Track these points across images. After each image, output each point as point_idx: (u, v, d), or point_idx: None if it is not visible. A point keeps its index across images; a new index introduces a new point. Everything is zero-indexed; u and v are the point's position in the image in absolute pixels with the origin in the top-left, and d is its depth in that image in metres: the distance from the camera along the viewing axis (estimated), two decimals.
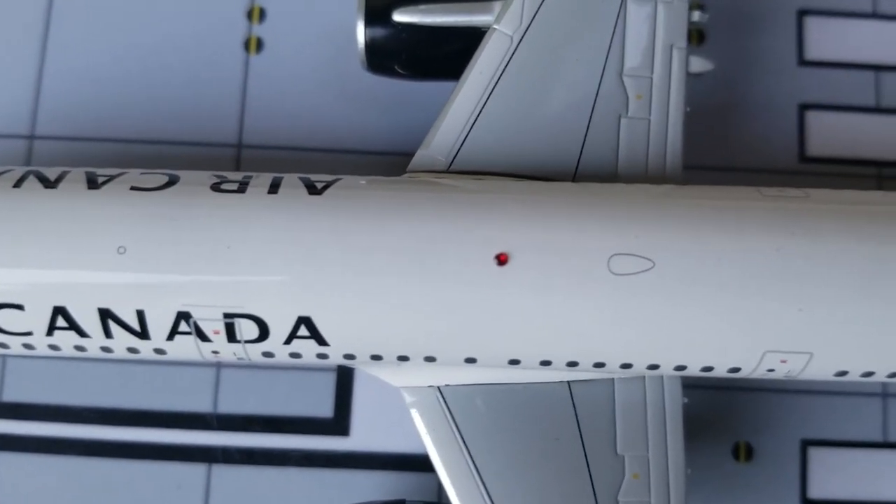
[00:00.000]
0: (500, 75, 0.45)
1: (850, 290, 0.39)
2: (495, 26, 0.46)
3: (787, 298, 0.39)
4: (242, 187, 0.40)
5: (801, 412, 0.51)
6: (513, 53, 0.45)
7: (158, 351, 0.42)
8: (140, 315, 0.40)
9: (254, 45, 0.55)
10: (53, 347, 0.42)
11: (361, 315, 0.40)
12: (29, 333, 0.41)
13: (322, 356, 0.41)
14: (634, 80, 0.46)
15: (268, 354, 0.41)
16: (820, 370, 0.42)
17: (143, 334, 0.40)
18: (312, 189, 0.40)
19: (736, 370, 0.42)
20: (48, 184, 0.41)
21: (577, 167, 0.44)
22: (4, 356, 0.50)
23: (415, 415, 0.43)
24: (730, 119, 0.54)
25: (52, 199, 0.41)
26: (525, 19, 0.46)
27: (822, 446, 0.51)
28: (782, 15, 0.56)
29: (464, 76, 0.45)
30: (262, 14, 0.55)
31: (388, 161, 0.52)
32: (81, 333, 0.41)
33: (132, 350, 0.42)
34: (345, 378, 0.51)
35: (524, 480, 0.42)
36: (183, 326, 0.40)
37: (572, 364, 0.42)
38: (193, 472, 0.50)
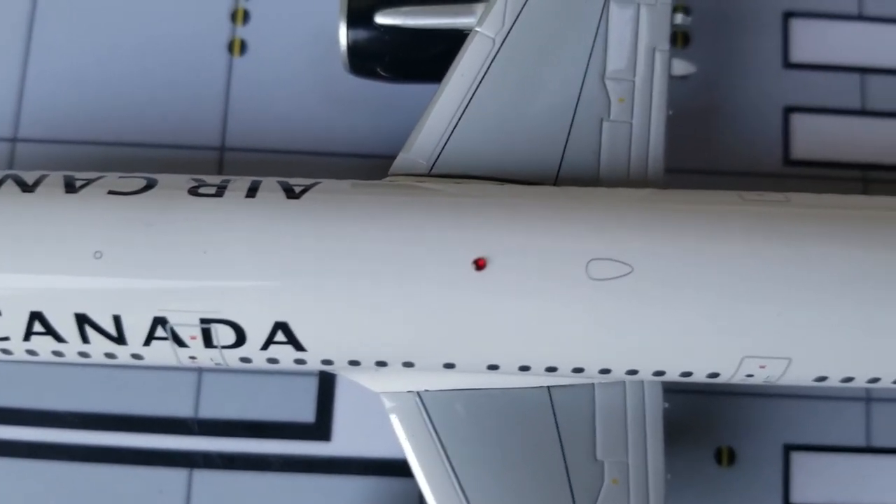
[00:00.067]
0: (482, 78, 0.45)
1: (829, 296, 0.39)
2: (477, 29, 0.45)
3: (766, 304, 0.39)
4: (220, 191, 0.40)
5: (784, 416, 0.51)
6: (495, 56, 0.45)
7: (136, 356, 0.41)
8: (117, 320, 0.40)
9: (237, 47, 0.54)
10: (31, 353, 0.42)
11: (338, 320, 0.39)
12: (6, 339, 0.41)
13: (300, 362, 0.41)
14: (617, 83, 0.45)
15: (245, 360, 0.41)
16: (799, 375, 0.41)
17: (120, 339, 0.40)
18: (290, 193, 0.40)
19: (715, 375, 0.42)
20: (26, 188, 0.41)
21: (558, 171, 0.44)
22: None
23: (394, 420, 0.43)
24: (714, 122, 0.54)
25: (29, 203, 0.40)
26: (507, 22, 0.45)
27: (805, 451, 0.51)
28: (768, 17, 0.56)
29: (446, 79, 0.45)
30: (246, 16, 0.55)
31: (372, 164, 0.52)
32: (58, 339, 0.41)
33: (109, 355, 0.41)
34: (326, 383, 0.50)
35: (503, 486, 0.42)
36: (160, 332, 0.40)
37: (551, 369, 0.41)
38: (175, 477, 0.50)
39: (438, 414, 0.43)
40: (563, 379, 0.43)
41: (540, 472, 0.43)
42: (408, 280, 0.39)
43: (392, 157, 0.45)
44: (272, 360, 0.41)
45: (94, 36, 0.54)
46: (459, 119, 0.45)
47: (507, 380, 0.43)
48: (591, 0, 0.46)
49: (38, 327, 0.40)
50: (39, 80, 0.53)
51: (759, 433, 0.51)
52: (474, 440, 0.43)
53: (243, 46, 0.54)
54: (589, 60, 0.45)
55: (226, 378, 0.50)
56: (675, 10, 0.54)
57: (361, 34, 0.47)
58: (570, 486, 0.42)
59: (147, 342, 0.40)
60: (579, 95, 0.45)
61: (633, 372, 0.42)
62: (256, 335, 0.40)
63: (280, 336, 0.40)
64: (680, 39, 0.55)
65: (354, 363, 0.42)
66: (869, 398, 0.51)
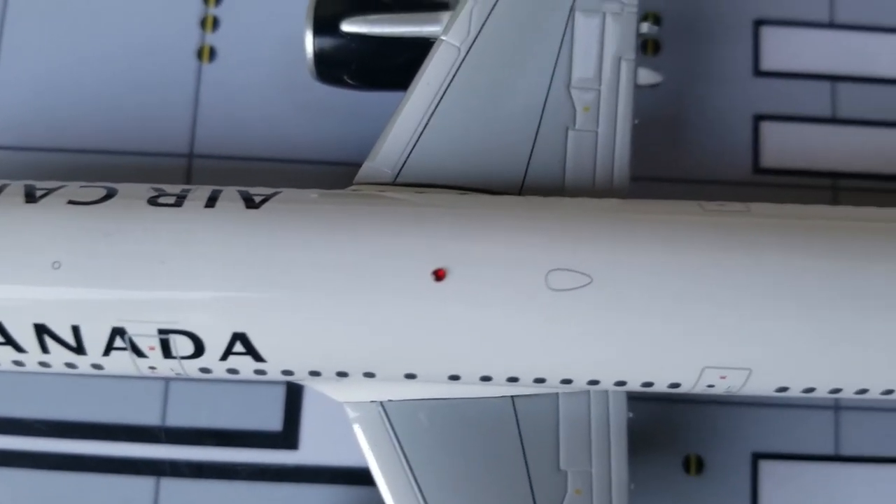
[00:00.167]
0: (448, 87, 0.45)
1: (789, 306, 0.39)
2: (443, 37, 0.45)
3: (725, 314, 0.39)
4: (179, 201, 0.40)
5: (753, 425, 0.51)
6: (460, 64, 0.45)
7: (96, 366, 0.41)
8: (75, 330, 0.39)
9: (206, 53, 0.54)
10: None
11: (297, 331, 0.39)
12: None
13: (260, 372, 0.41)
14: (582, 92, 0.45)
15: (205, 370, 0.41)
16: (760, 386, 0.41)
17: (80, 350, 0.40)
18: (250, 203, 0.40)
19: (676, 386, 0.42)
20: None
21: (523, 180, 0.44)
22: None
23: (357, 430, 0.43)
24: (684, 130, 0.54)
25: None
26: (473, 30, 0.45)
27: (773, 459, 0.51)
28: (738, 25, 0.56)
29: (411, 87, 0.45)
30: (216, 23, 0.55)
31: (341, 171, 0.51)
32: (18, 349, 0.40)
33: (70, 365, 0.41)
34: (294, 392, 0.50)
35: (465, 496, 0.42)
36: (118, 342, 0.40)
37: (512, 379, 0.41)
38: (142, 486, 0.49)
39: (401, 424, 0.43)
40: (526, 389, 0.43)
41: (502, 482, 0.42)
42: (367, 291, 0.39)
43: (361, 165, 0.45)
44: (232, 371, 0.41)
45: (63, 42, 0.54)
46: (424, 128, 0.45)
47: (471, 390, 0.43)
48: (557, 9, 0.46)
49: None
50: (7, 87, 0.53)
51: (728, 441, 0.51)
52: (437, 450, 0.43)
53: (212, 53, 0.54)
54: (554, 69, 0.45)
55: (193, 387, 0.50)
56: (645, 17, 0.55)
57: (328, 42, 0.47)
58: (533, 497, 0.42)
59: (106, 352, 0.40)
60: (544, 104, 0.45)
61: (594, 382, 0.42)
62: (215, 346, 0.40)
63: (239, 347, 0.40)
64: (650, 47, 0.55)
65: (315, 374, 0.42)
66: (838, 407, 0.51)
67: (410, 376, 0.41)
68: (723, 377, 0.41)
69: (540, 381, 0.41)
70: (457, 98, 0.45)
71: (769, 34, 0.56)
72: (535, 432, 0.43)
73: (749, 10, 0.56)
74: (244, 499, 0.49)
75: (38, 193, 0.41)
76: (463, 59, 0.45)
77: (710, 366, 0.40)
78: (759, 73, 0.55)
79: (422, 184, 0.44)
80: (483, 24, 0.45)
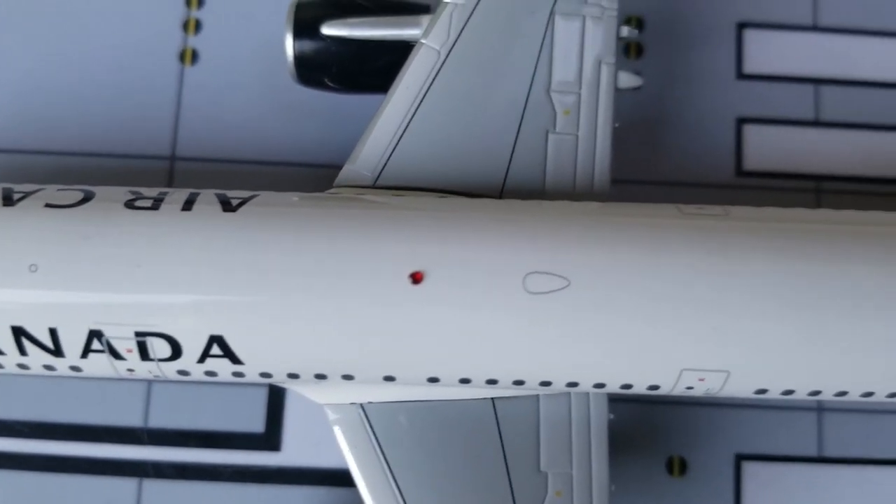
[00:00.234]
0: (428, 90, 0.45)
1: (767, 309, 0.39)
2: (423, 41, 0.45)
3: (703, 317, 0.39)
4: (157, 204, 0.40)
5: (736, 426, 0.51)
6: (440, 68, 0.45)
7: (74, 368, 0.41)
8: (53, 333, 0.39)
9: (189, 56, 0.54)
10: None
11: (275, 334, 0.39)
12: None
13: (238, 374, 0.41)
14: (562, 95, 0.45)
15: (183, 373, 0.41)
16: (739, 388, 0.42)
17: (58, 352, 0.40)
18: (227, 206, 0.40)
19: (655, 388, 0.42)
20: None
21: (504, 183, 0.44)
22: None
23: (337, 432, 0.43)
24: (667, 133, 0.54)
25: None
26: (452, 34, 0.45)
27: (757, 461, 0.51)
28: (721, 28, 0.56)
29: (391, 91, 0.45)
30: (198, 26, 0.55)
31: (323, 174, 0.51)
32: None
33: (48, 367, 0.41)
34: (276, 394, 0.50)
35: (445, 498, 0.42)
36: (96, 345, 0.40)
37: (491, 382, 0.41)
38: (124, 487, 0.49)
39: (382, 426, 0.43)
40: (506, 391, 0.43)
41: (483, 484, 0.43)
42: (344, 293, 0.39)
43: (342, 167, 0.45)
44: (210, 374, 0.41)
45: (45, 44, 0.54)
46: (404, 131, 0.45)
47: (451, 392, 0.43)
48: (537, 12, 0.46)
49: None
50: None
51: (711, 443, 0.51)
52: (417, 452, 0.43)
53: (195, 56, 0.54)
54: (534, 72, 0.45)
55: (176, 388, 0.50)
56: (627, 21, 0.55)
57: (308, 45, 0.47)
58: (514, 498, 0.42)
59: (84, 355, 0.40)
60: (525, 107, 0.45)
61: (573, 384, 0.42)
62: (192, 349, 0.40)
63: (216, 349, 0.40)
64: (633, 50, 0.55)
65: (293, 376, 0.42)
66: (821, 408, 0.51)
67: (389, 379, 0.41)
68: (701, 379, 0.41)
69: (519, 383, 0.42)
70: (437, 101, 0.45)
71: (752, 37, 0.56)
72: (516, 434, 0.43)
73: (732, 14, 0.56)
74: (227, 500, 0.49)
75: (16, 197, 0.41)
76: (443, 63, 0.45)
77: (688, 368, 0.40)
78: (742, 76, 0.55)
79: (402, 187, 0.44)
80: (463, 28, 0.45)
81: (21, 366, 0.41)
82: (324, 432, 0.49)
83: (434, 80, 0.45)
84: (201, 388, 0.50)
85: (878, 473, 0.51)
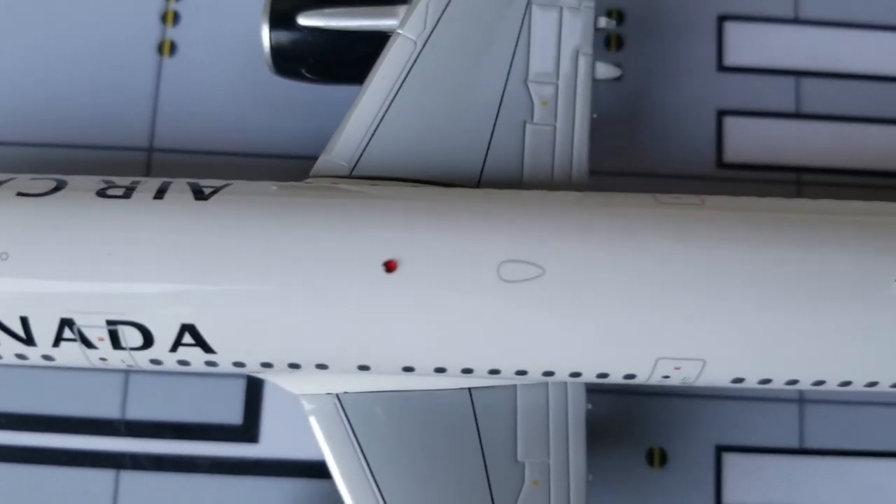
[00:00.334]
0: (404, 80, 0.45)
1: (742, 298, 0.39)
2: (399, 31, 0.45)
3: (677, 306, 0.39)
4: (128, 193, 0.40)
5: (716, 417, 0.51)
6: (416, 58, 0.45)
7: (46, 357, 0.41)
8: (24, 322, 0.39)
9: (167, 48, 0.54)
10: None
11: (247, 323, 0.39)
12: None
13: (211, 364, 0.41)
14: (540, 86, 0.45)
15: (155, 362, 0.41)
16: (715, 377, 0.41)
17: (29, 341, 0.40)
18: (199, 194, 0.40)
19: (631, 377, 0.42)
20: None
21: (481, 174, 0.44)
22: None
23: (313, 422, 0.43)
24: (647, 124, 0.54)
25: None
26: (429, 24, 0.45)
27: (737, 452, 0.51)
28: (702, 20, 0.56)
29: (367, 81, 0.45)
30: (177, 17, 0.55)
31: (301, 165, 0.51)
32: None
33: (20, 356, 0.41)
34: (254, 385, 0.50)
35: (421, 488, 0.42)
36: (67, 333, 0.39)
37: (467, 371, 0.41)
38: (101, 479, 0.49)
39: (357, 416, 0.43)
40: (483, 380, 0.43)
41: (459, 474, 0.42)
42: (317, 282, 0.39)
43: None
44: (183, 363, 0.41)
45: (22, 36, 0.54)
46: (381, 121, 0.44)
47: (427, 381, 0.43)
48: (514, 3, 0.46)
49: None
50: None
51: (691, 434, 0.51)
52: (393, 443, 0.43)
53: (173, 48, 0.54)
54: (511, 63, 0.45)
55: (153, 379, 0.50)
56: (608, 13, 0.55)
57: (284, 35, 0.47)
58: (490, 488, 0.42)
59: (56, 343, 0.40)
60: (502, 98, 0.45)
61: (549, 373, 0.42)
62: (163, 337, 0.39)
63: (188, 338, 0.39)
64: (614, 42, 0.55)
65: (267, 365, 0.41)
66: (802, 399, 0.51)
67: (364, 368, 0.41)
68: (677, 368, 0.41)
69: (494, 372, 0.41)
70: (413, 92, 0.45)
71: (733, 30, 0.56)
72: (493, 424, 0.43)
73: (713, 6, 0.56)
74: (204, 492, 0.49)
75: None
76: (419, 53, 0.45)
77: (663, 356, 0.40)
78: (722, 68, 0.55)
79: (378, 177, 0.44)
80: (439, 18, 0.45)
81: None
82: (302, 424, 0.49)
83: (410, 70, 0.45)
84: (179, 380, 0.50)
85: (858, 465, 0.51)
